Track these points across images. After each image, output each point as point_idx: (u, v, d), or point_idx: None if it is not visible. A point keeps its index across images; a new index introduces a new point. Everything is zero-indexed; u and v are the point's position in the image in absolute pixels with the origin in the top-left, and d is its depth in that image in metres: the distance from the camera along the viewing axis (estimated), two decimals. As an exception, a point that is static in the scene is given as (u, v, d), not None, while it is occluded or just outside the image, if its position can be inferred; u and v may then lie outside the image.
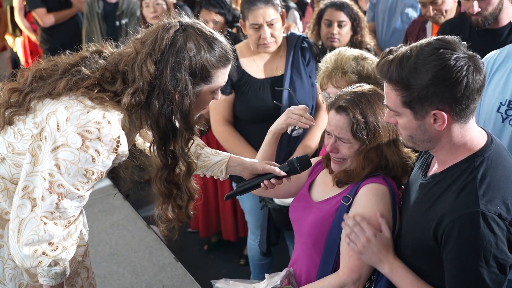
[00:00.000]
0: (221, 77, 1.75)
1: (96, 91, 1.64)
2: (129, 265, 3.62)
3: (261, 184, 2.03)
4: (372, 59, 2.40)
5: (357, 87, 2.02)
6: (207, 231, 4.03)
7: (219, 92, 1.81)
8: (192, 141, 1.78)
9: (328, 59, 2.44)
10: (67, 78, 1.67)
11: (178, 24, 1.70)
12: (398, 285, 1.76)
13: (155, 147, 1.74)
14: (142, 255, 3.74)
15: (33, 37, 5.73)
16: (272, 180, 2.02)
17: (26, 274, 1.83)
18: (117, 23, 4.85)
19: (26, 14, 5.69)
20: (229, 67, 1.77)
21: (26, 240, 1.60)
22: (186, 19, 1.74)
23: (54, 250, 1.65)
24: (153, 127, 1.71)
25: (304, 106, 2.20)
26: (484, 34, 2.96)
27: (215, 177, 2.13)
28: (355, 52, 2.43)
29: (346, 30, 3.42)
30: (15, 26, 6.05)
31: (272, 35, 2.88)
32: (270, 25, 2.85)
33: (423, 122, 1.59)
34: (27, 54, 5.99)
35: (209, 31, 1.73)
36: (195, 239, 4.22)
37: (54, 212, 1.62)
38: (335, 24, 3.40)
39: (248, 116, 3.00)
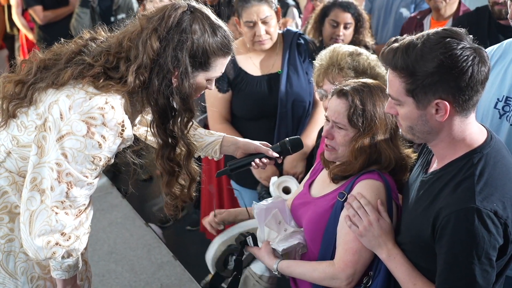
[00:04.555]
0: (219, 66, 1.76)
1: (102, 80, 1.64)
2: (128, 264, 3.62)
3: (252, 163, 2.06)
4: (366, 55, 2.40)
5: (362, 78, 2.05)
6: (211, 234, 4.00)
7: (213, 82, 1.82)
8: (191, 123, 1.80)
9: (323, 56, 2.44)
10: (72, 68, 1.66)
11: (187, 5, 1.71)
12: (393, 272, 1.76)
13: (155, 125, 1.75)
14: (141, 253, 3.73)
15: (30, 36, 5.71)
16: (263, 160, 2.07)
17: (37, 267, 1.84)
18: (112, 18, 4.83)
19: (23, 12, 5.68)
20: (228, 58, 1.78)
21: (38, 231, 1.61)
22: (194, 3, 1.76)
23: (67, 240, 1.66)
24: (152, 105, 1.72)
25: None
26: (503, 29, 2.91)
27: (209, 157, 2.15)
28: (350, 48, 2.43)
29: (350, 31, 3.40)
30: (12, 24, 6.04)
31: (267, 32, 2.86)
32: (265, 22, 2.83)
33: (424, 112, 1.58)
34: (24, 52, 5.97)
35: (215, 18, 1.75)
36: (193, 237, 4.21)
37: (64, 201, 1.63)
38: (341, 26, 3.36)
39: (246, 113, 3.00)
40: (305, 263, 1.99)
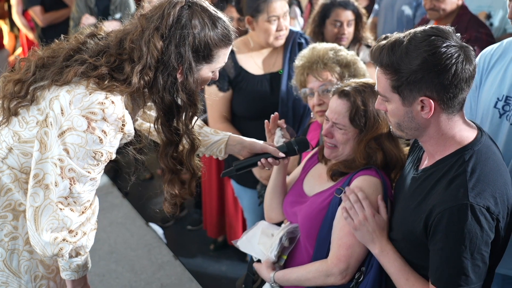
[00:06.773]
0: (222, 57, 1.77)
1: (107, 81, 1.64)
2: (128, 264, 3.62)
3: (258, 163, 2.05)
4: (345, 50, 2.45)
5: (364, 80, 2.07)
6: (213, 232, 4.01)
7: (217, 72, 1.82)
8: (196, 117, 1.80)
9: (303, 55, 2.47)
10: (74, 67, 1.66)
11: (184, 0, 1.70)
12: (386, 268, 1.78)
13: (159, 123, 1.75)
14: (141, 253, 3.73)
15: (31, 35, 5.70)
16: (269, 160, 2.05)
17: (41, 266, 1.83)
18: (110, 18, 4.83)
19: (24, 11, 5.66)
20: (230, 48, 1.78)
21: (46, 226, 1.61)
22: None
23: (74, 236, 1.67)
24: (157, 103, 1.72)
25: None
26: None
27: (214, 157, 2.14)
28: (329, 45, 2.48)
29: (352, 28, 3.40)
30: (12, 24, 6.04)
31: (285, 27, 2.91)
32: (285, 16, 2.89)
33: (410, 109, 1.61)
34: (25, 52, 5.97)
35: (213, 10, 1.74)
36: (194, 237, 4.21)
37: (68, 197, 1.63)
38: (345, 24, 3.35)
39: (246, 113, 3.00)
40: (298, 268, 1.99)
